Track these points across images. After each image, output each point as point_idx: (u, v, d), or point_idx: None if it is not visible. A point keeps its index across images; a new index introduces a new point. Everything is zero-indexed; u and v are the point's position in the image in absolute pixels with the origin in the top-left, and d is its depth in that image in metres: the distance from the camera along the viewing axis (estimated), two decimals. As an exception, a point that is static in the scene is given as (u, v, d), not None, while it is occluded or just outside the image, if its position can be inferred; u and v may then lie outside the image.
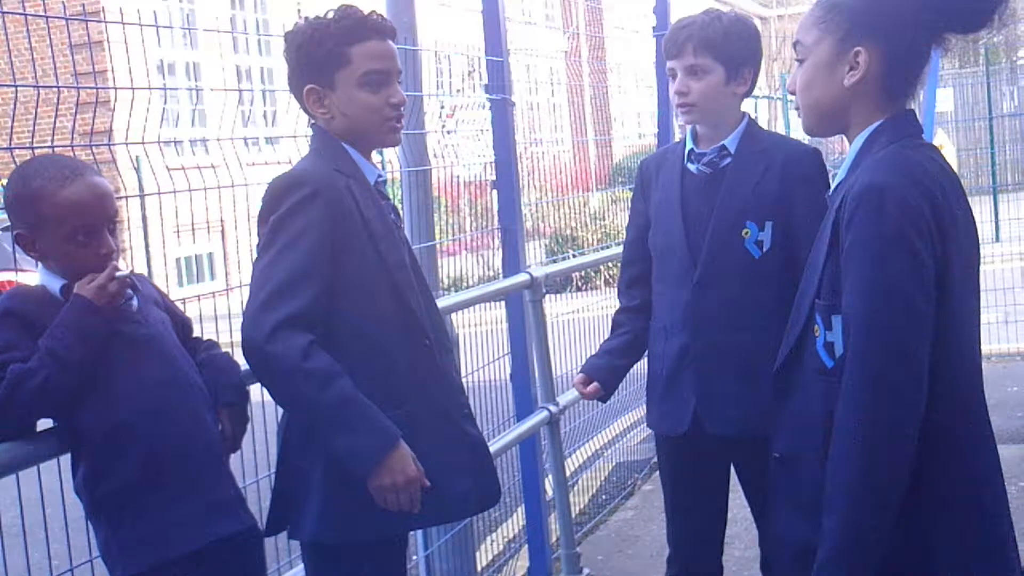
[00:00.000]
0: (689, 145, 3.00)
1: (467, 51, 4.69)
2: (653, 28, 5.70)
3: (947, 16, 1.97)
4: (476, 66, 4.56)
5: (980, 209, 9.42)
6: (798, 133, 8.04)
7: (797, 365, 2.08)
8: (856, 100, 2.03)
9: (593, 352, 3.26)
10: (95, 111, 2.91)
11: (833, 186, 2.08)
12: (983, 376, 2.04)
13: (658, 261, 3.03)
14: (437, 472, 2.40)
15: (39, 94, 2.53)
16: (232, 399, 2.39)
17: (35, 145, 2.45)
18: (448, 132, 5.64)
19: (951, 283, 1.91)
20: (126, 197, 3.13)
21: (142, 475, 2.21)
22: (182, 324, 2.47)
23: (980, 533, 1.95)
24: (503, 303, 4.41)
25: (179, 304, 2.54)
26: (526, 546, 4.48)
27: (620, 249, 3.44)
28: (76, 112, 2.71)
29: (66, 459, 2.27)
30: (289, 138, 2.54)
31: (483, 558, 4.62)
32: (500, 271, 4.50)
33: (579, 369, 3.18)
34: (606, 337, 3.23)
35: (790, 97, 2.17)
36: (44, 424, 2.22)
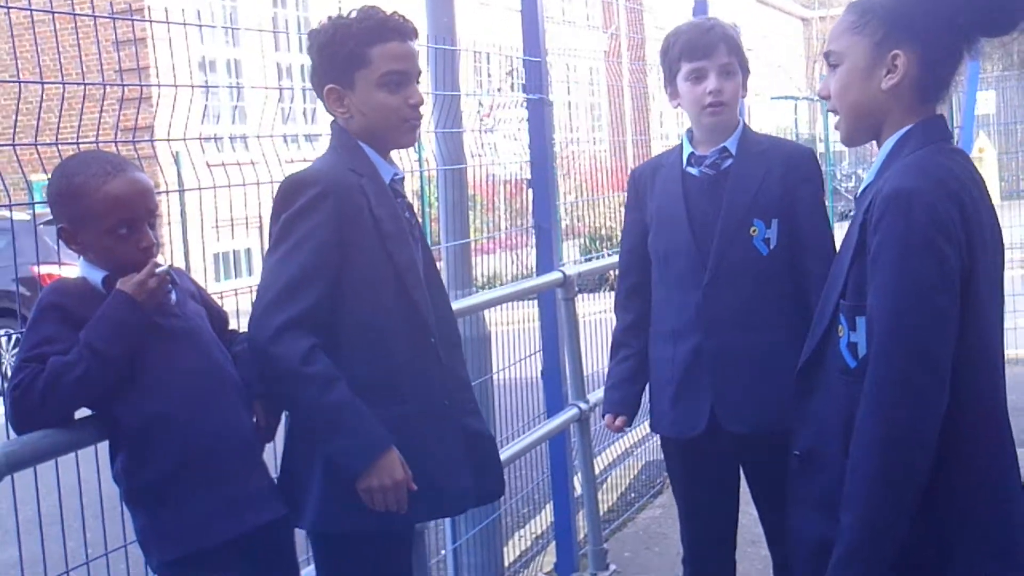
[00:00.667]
0: (688, 149, 3.03)
1: (507, 51, 4.73)
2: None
3: (982, 18, 1.97)
4: (514, 66, 4.60)
5: (1021, 213, 9.29)
6: (836, 135, 7.97)
7: (820, 365, 2.09)
8: (892, 104, 2.03)
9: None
10: (139, 107, 2.96)
11: (861, 188, 2.09)
12: (1007, 381, 2.05)
13: (661, 266, 3.05)
14: (437, 468, 2.48)
15: (84, 91, 2.59)
16: (265, 391, 2.44)
17: (80, 140, 2.51)
18: (486, 131, 5.68)
19: (976, 288, 1.92)
20: (166, 192, 3.19)
21: (178, 464, 2.27)
22: (218, 317, 2.52)
23: (997, 533, 1.96)
24: (536, 301, 4.45)
25: (216, 298, 2.60)
26: (554, 542, 4.52)
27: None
28: (120, 108, 2.77)
29: (102, 447, 2.33)
30: (328, 135, 2.58)
31: (511, 553, 4.66)
32: (534, 269, 4.55)
33: (603, 410, 3.23)
34: (611, 351, 3.25)
35: (829, 105, 2.19)
36: (81, 412, 2.27)
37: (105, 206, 2.23)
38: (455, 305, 2.86)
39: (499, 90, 5.89)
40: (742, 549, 3.29)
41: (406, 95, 2.49)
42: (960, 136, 7.36)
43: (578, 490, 4.53)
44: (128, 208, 2.25)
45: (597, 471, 4.88)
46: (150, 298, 2.24)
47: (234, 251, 12.40)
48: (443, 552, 3.97)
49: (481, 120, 5.68)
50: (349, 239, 2.39)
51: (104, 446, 2.32)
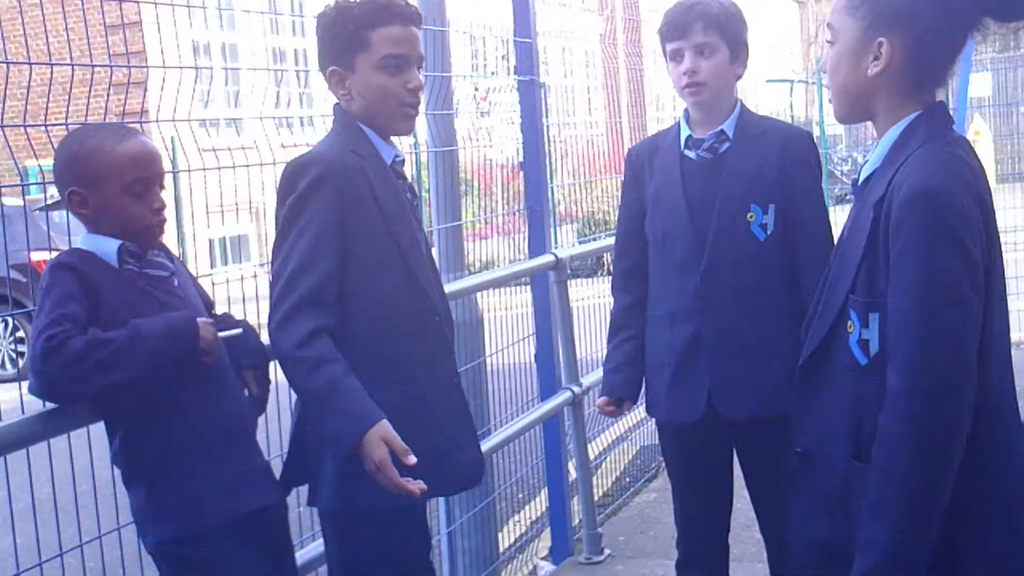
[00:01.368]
0: (686, 131, 3.00)
1: (501, 33, 4.71)
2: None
3: (996, 3, 1.93)
4: (508, 49, 4.58)
5: (1016, 196, 9.27)
6: (832, 117, 7.95)
7: (824, 360, 2.03)
8: (881, 90, 2.00)
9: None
10: (127, 91, 2.95)
11: (863, 175, 2.04)
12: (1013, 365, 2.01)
13: (659, 248, 3.02)
14: (449, 444, 2.52)
15: (74, 73, 2.57)
16: (251, 362, 2.47)
17: (69, 123, 2.49)
18: (482, 114, 5.67)
19: (995, 280, 1.90)
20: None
21: (177, 445, 2.28)
22: (205, 302, 2.54)
23: (1008, 531, 1.91)
24: (530, 286, 4.44)
25: (213, 285, 2.61)
26: (548, 527, 4.52)
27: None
28: (110, 92, 2.75)
29: (97, 439, 2.32)
30: (324, 118, 2.58)
31: (506, 538, 4.67)
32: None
33: (600, 392, 3.18)
34: (610, 333, 3.19)
35: (824, 81, 2.16)
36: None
37: (122, 163, 2.26)
38: (447, 288, 2.86)
39: (494, 74, 5.87)
40: (735, 532, 3.29)
41: (405, 79, 2.50)
42: (954, 119, 7.33)
43: (573, 475, 4.53)
44: (145, 166, 2.29)
45: (592, 456, 4.88)
46: (206, 350, 2.27)
47: (231, 237, 12.36)
48: (438, 537, 3.97)
49: (477, 104, 5.67)
50: (352, 221, 2.42)
51: (98, 437, 2.31)
